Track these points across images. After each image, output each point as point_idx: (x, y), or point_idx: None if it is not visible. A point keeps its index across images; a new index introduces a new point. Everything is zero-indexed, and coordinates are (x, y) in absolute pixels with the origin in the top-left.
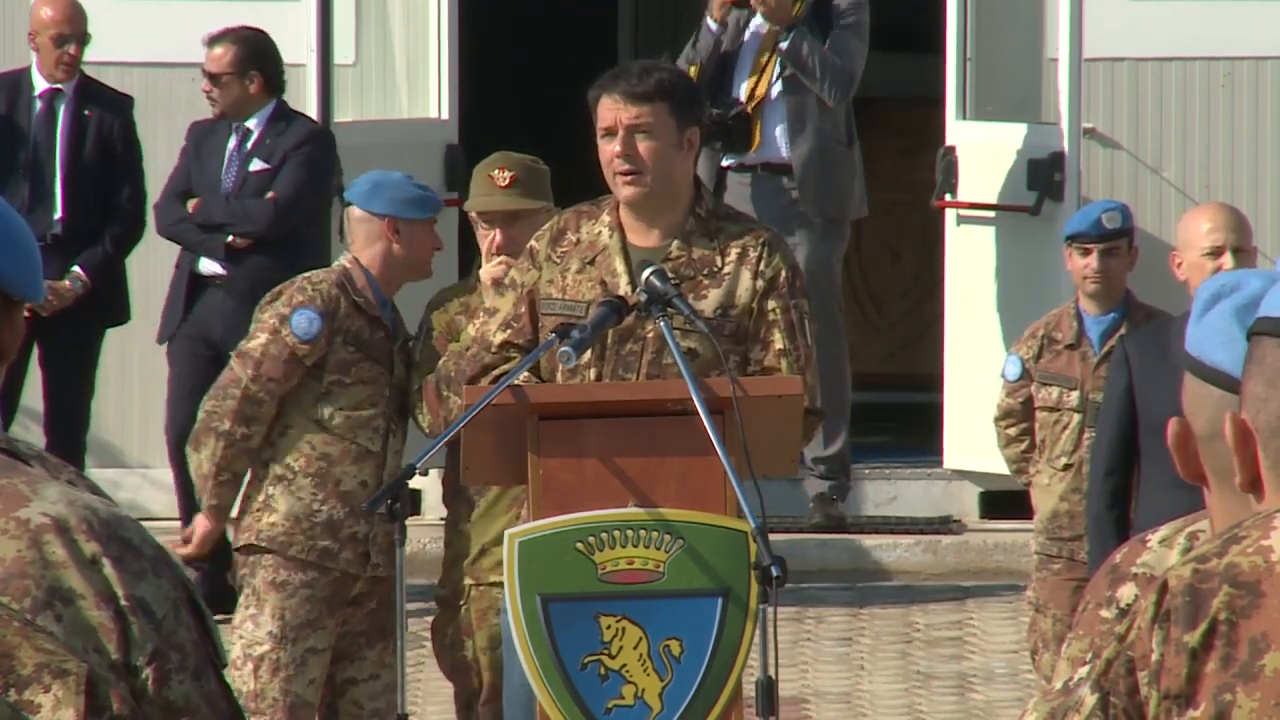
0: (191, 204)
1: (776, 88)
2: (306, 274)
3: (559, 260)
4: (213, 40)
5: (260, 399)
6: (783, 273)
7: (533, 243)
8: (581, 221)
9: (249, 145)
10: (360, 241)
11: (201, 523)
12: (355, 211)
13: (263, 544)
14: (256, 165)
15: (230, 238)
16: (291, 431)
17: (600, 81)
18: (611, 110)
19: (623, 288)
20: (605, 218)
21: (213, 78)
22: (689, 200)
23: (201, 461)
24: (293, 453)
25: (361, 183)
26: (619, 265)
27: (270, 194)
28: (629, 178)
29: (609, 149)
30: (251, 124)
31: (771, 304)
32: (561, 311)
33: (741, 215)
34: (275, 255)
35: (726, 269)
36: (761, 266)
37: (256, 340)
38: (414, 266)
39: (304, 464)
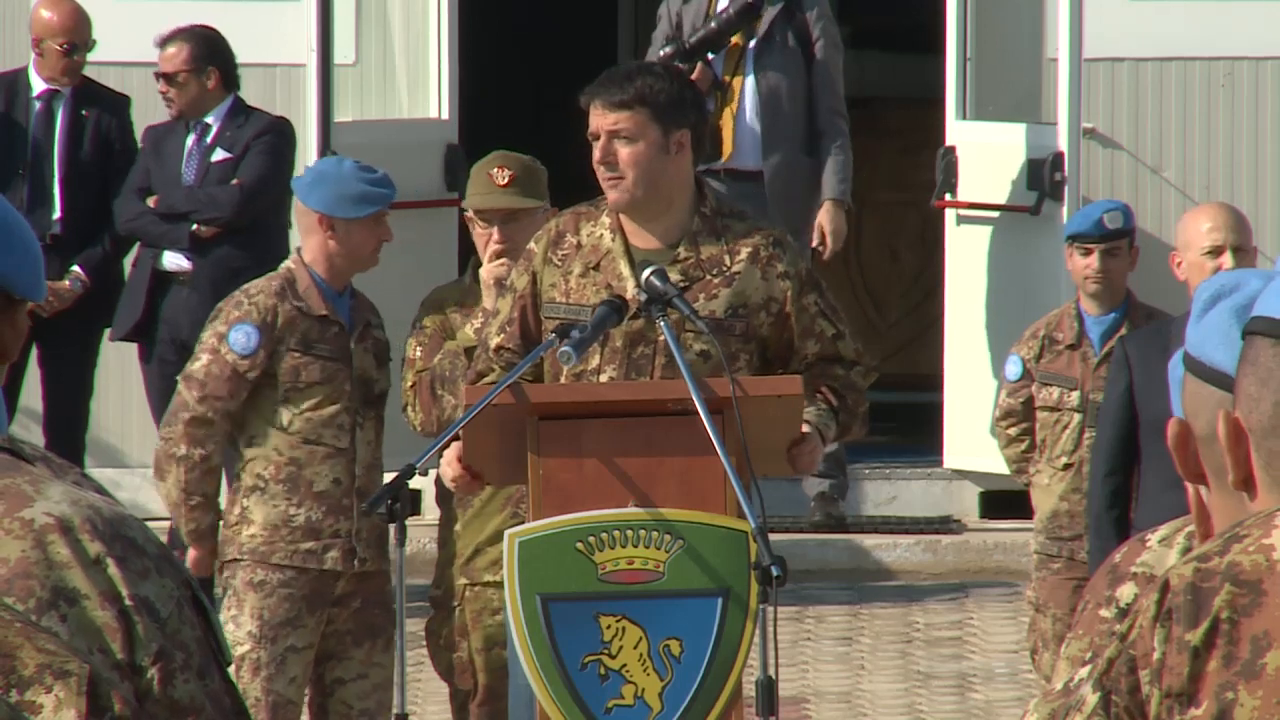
0: (151, 200)
1: (750, 98)
2: (245, 286)
3: (560, 263)
4: (165, 40)
5: (209, 419)
6: (803, 268)
7: (531, 245)
8: (581, 224)
9: (209, 139)
10: (301, 234)
11: (190, 553)
12: (298, 203)
13: (244, 557)
14: (219, 155)
15: (195, 226)
16: (258, 441)
17: (588, 88)
18: (595, 117)
19: (629, 291)
20: (605, 220)
21: (168, 78)
22: (691, 201)
23: (170, 490)
24: (261, 462)
25: (308, 172)
26: (624, 269)
27: (236, 180)
28: (611, 183)
29: (595, 153)
30: (210, 119)
31: (809, 299)
32: (565, 315)
33: (746, 213)
34: (240, 246)
35: (737, 268)
36: (783, 268)
37: (199, 362)
38: (355, 262)
39: (274, 471)
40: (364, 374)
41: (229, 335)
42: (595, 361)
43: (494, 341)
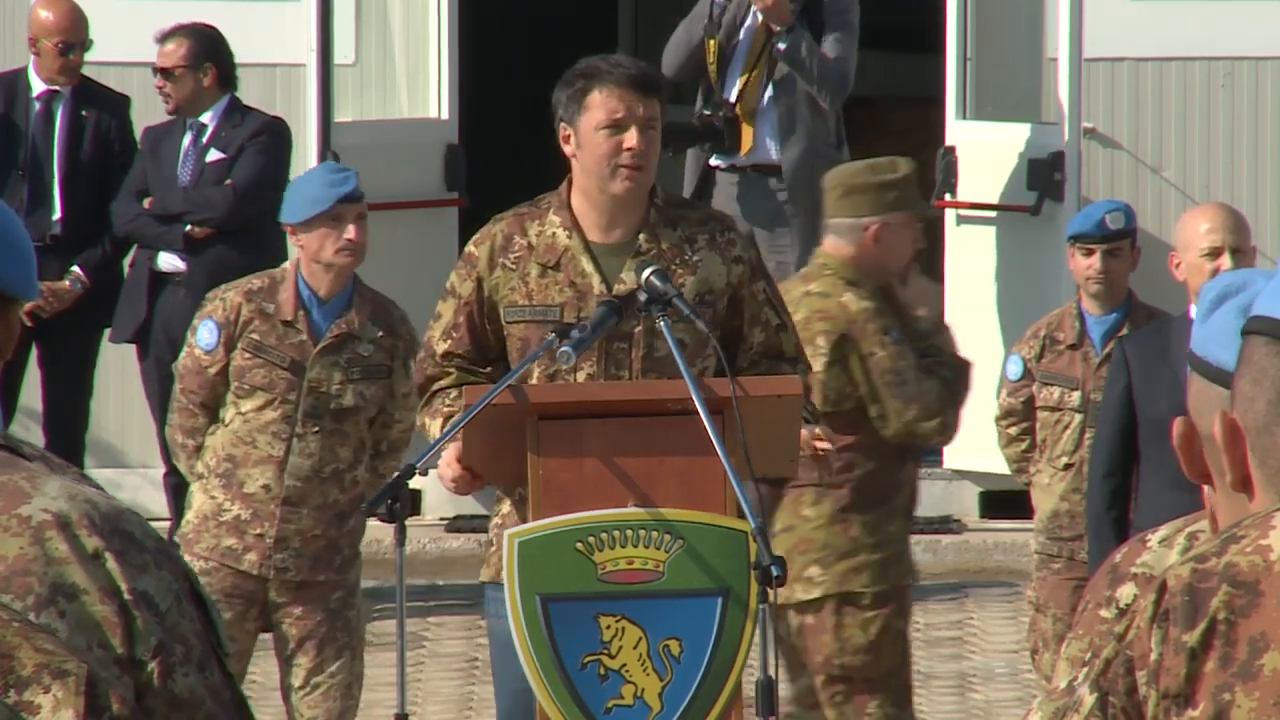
0: (147, 201)
1: (768, 90)
2: (237, 280)
3: (514, 266)
4: (165, 36)
5: (191, 410)
6: (754, 254)
7: (471, 249)
8: (526, 225)
9: (204, 139)
10: None
11: None
12: None
13: (180, 541)
14: (214, 156)
15: (189, 228)
16: (214, 432)
17: (594, 72)
18: (623, 102)
19: (596, 287)
20: (554, 218)
21: (165, 72)
22: (647, 194)
23: (186, 473)
24: (210, 452)
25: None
26: (587, 265)
27: (229, 181)
28: (633, 172)
29: (614, 141)
30: (206, 119)
31: (758, 286)
32: (532, 318)
33: (695, 202)
34: (235, 246)
35: (698, 256)
36: (737, 252)
37: (181, 354)
38: (317, 267)
39: (214, 464)
40: (319, 385)
41: (198, 330)
42: (572, 362)
43: (441, 347)
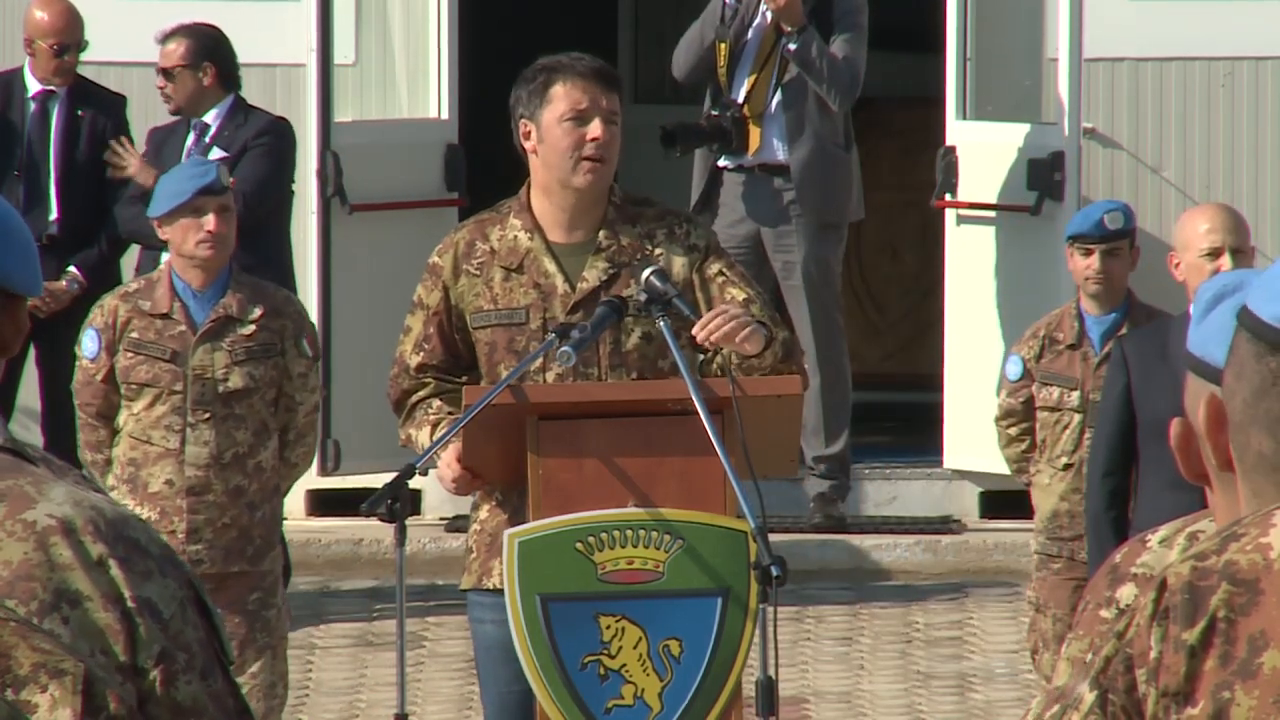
0: None
1: (776, 90)
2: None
3: (478, 272)
4: (165, 37)
5: (91, 424)
6: (713, 241)
7: (435, 259)
8: (487, 230)
9: (207, 139)
10: None
11: None
12: None
13: None
14: (216, 154)
15: None
16: (115, 444)
17: (556, 65)
18: (587, 93)
19: (560, 287)
20: (515, 221)
21: (166, 73)
22: (606, 192)
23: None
24: (116, 464)
25: None
26: (550, 265)
27: (231, 180)
28: (597, 164)
29: (578, 133)
30: (209, 119)
31: (715, 267)
32: (498, 322)
33: (650, 198)
34: (242, 247)
35: (658, 250)
36: (693, 240)
37: (74, 373)
38: (184, 259)
39: (120, 472)
40: (204, 372)
41: (82, 342)
42: (540, 359)
43: (414, 360)
